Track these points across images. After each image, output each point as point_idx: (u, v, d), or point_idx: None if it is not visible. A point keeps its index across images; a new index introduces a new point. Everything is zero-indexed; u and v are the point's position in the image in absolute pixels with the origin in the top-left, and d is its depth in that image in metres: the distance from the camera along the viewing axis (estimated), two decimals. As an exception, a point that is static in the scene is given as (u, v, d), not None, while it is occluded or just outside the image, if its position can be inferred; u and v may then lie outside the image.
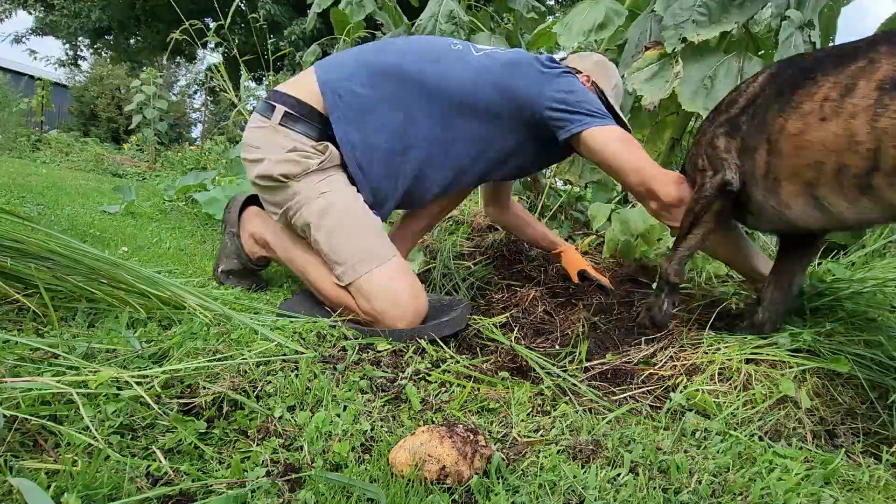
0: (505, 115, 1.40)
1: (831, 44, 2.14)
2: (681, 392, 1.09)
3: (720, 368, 1.15)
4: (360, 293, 1.31)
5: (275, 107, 1.35)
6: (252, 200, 1.62)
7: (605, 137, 1.32)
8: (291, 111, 1.34)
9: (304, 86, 1.37)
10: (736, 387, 1.10)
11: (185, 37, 3.41)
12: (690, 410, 1.04)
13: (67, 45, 13.15)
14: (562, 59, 1.54)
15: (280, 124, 1.34)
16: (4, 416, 0.68)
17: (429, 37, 1.70)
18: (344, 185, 1.36)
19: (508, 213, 1.82)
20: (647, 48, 1.93)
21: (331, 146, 1.34)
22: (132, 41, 12.77)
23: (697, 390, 1.09)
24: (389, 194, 1.42)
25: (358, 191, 1.37)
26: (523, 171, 1.66)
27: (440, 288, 1.77)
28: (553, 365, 1.23)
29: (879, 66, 0.92)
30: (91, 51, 13.66)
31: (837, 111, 0.95)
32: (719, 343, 1.24)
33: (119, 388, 0.82)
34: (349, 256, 1.31)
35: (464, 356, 1.22)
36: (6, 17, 12.69)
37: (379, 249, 1.32)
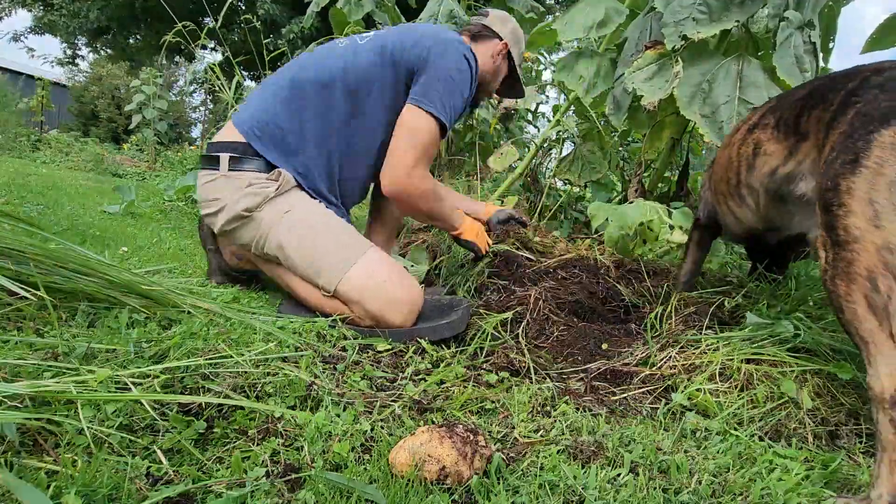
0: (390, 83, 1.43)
1: (832, 45, 2.13)
2: (681, 392, 1.09)
3: (720, 369, 1.15)
4: (348, 299, 1.29)
5: (218, 157, 1.37)
6: None
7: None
8: (234, 154, 1.37)
9: (233, 129, 1.41)
10: (736, 386, 1.10)
11: (178, 38, 3.40)
12: (691, 410, 1.04)
13: (66, 45, 13.14)
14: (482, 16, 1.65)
15: (229, 170, 1.36)
16: (5, 415, 0.68)
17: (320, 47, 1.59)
18: (304, 198, 1.38)
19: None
20: (646, 47, 1.93)
21: (283, 171, 1.37)
22: (131, 41, 12.76)
23: (698, 390, 1.09)
24: (344, 192, 1.50)
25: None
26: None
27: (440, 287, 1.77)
28: (553, 365, 1.23)
29: (758, 111, 1.28)
30: (90, 50, 13.66)
31: (729, 143, 1.34)
32: (719, 343, 1.24)
33: (119, 388, 0.82)
34: (323, 262, 1.30)
35: (464, 356, 1.21)
36: (6, 15, 12.67)
37: (350, 246, 1.33)
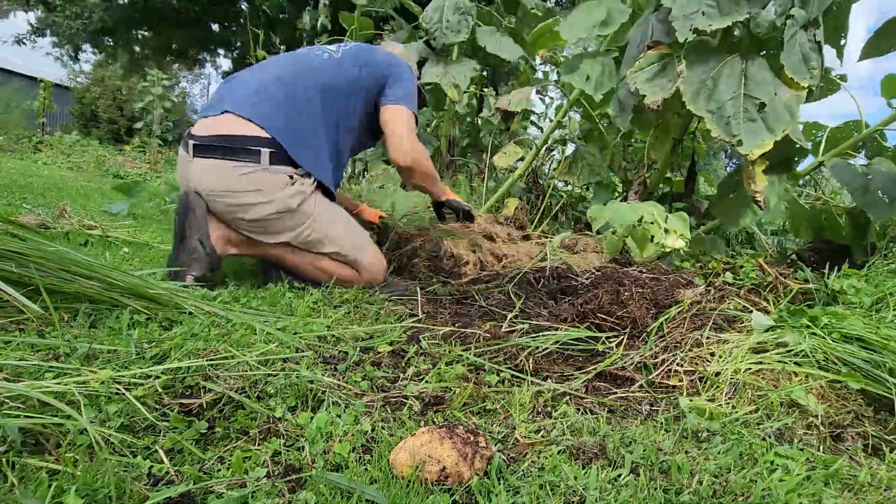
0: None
1: (844, 42, 2.10)
2: (683, 394, 1.09)
3: (722, 370, 1.14)
4: (361, 268, 1.72)
5: (259, 151, 1.53)
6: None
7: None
8: (273, 150, 1.55)
9: (252, 125, 1.55)
10: (738, 388, 1.10)
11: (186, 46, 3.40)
12: (691, 411, 1.04)
13: (69, 46, 13.16)
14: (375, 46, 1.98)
15: (272, 164, 1.54)
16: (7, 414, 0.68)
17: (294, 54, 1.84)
18: (328, 200, 1.70)
19: None
20: (648, 48, 1.93)
21: (311, 171, 1.62)
22: (136, 44, 12.80)
23: (699, 393, 1.08)
24: (337, 182, 1.82)
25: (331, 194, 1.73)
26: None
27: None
28: (554, 365, 1.23)
29: None
30: (94, 52, 13.68)
31: None
32: (720, 344, 1.24)
33: (120, 389, 0.82)
34: (351, 248, 1.70)
35: (465, 357, 1.21)
36: (5, 16, 12.68)
37: (365, 238, 1.77)
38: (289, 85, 1.63)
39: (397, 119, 1.77)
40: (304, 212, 1.59)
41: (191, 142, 1.56)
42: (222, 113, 1.57)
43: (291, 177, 1.57)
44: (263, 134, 1.54)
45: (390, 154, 1.79)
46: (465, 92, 2.86)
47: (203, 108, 1.70)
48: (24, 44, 13.09)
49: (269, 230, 1.60)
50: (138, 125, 7.17)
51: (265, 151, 1.53)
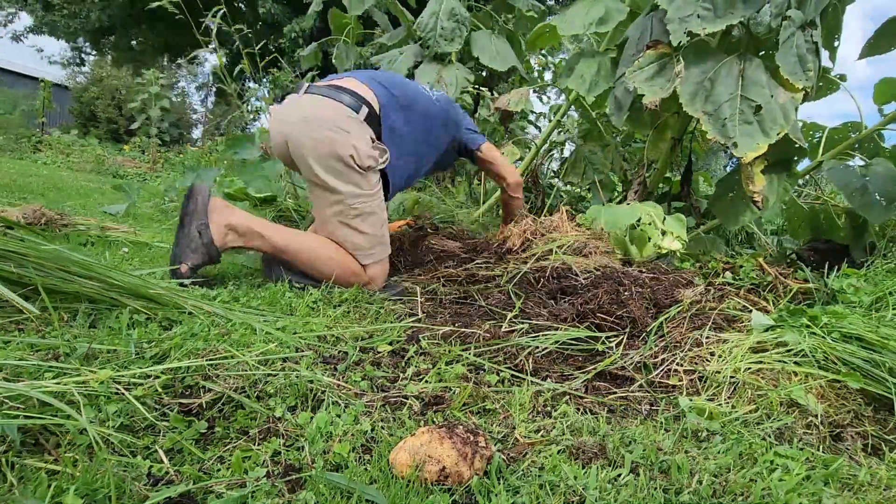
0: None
1: (837, 43, 2.12)
2: (683, 394, 1.09)
3: (722, 369, 1.14)
4: (369, 268, 1.72)
5: (361, 105, 1.64)
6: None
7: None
8: (371, 112, 1.66)
9: (368, 95, 1.69)
10: (738, 387, 1.10)
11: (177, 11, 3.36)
12: (691, 411, 1.04)
13: (69, 45, 13.14)
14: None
15: (364, 120, 1.64)
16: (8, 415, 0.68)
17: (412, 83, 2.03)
18: (381, 187, 1.75)
19: None
20: (647, 47, 1.93)
21: (386, 150, 1.70)
22: (133, 42, 12.79)
23: (699, 393, 1.08)
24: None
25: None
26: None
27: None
28: (554, 365, 1.23)
29: None
30: (94, 51, 13.67)
31: None
32: (720, 343, 1.24)
33: (120, 389, 0.82)
34: (377, 242, 1.72)
35: (465, 357, 1.21)
36: (9, 20, 12.65)
37: (388, 242, 1.78)
38: (403, 90, 1.82)
39: (496, 153, 2.16)
40: (368, 179, 1.66)
41: (305, 84, 1.71)
42: (347, 78, 1.74)
43: (373, 139, 1.66)
44: (372, 99, 1.68)
45: (508, 177, 2.18)
46: (459, 97, 2.86)
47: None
48: (21, 41, 13.07)
49: (339, 175, 1.63)
50: (135, 126, 7.16)
51: (364, 108, 1.65)
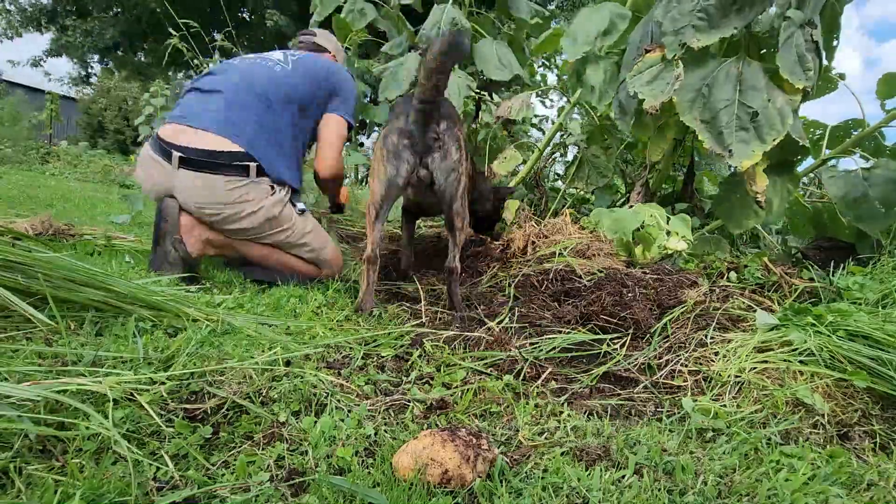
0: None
1: (836, 43, 2.11)
2: (687, 395, 1.09)
3: (727, 369, 1.14)
4: (324, 264, 1.90)
5: (248, 166, 1.67)
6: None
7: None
8: (257, 166, 1.68)
9: (227, 141, 1.66)
10: (743, 387, 1.09)
11: (187, 49, 3.42)
12: (696, 411, 1.04)
13: (79, 65, 13.31)
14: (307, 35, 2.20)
15: (257, 177, 1.68)
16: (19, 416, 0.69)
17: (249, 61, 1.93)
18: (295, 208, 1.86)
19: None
20: (647, 51, 1.93)
21: (285, 179, 1.77)
22: (141, 55, 12.94)
23: (704, 393, 1.08)
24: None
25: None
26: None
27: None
28: (558, 367, 1.23)
29: None
30: (102, 66, 13.85)
31: None
32: (725, 344, 1.24)
33: (125, 396, 0.83)
34: (321, 245, 1.88)
35: (468, 360, 1.22)
36: (10, 37, 12.81)
37: (328, 238, 1.94)
38: (259, 97, 1.76)
39: (331, 126, 1.94)
40: (284, 217, 1.76)
41: (175, 153, 1.63)
42: (202, 129, 1.66)
43: (272, 186, 1.72)
44: (243, 149, 1.67)
45: (316, 162, 1.95)
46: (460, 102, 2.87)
47: (171, 115, 1.77)
48: (40, 65, 13.22)
49: (257, 237, 1.76)
50: (140, 137, 7.22)
51: (252, 165, 1.67)
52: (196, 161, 1.63)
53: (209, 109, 1.71)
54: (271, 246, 1.81)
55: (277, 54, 1.94)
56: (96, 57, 13.01)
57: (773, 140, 1.71)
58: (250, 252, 1.80)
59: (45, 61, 13.03)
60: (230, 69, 1.85)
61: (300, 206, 1.83)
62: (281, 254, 1.83)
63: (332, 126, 1.94)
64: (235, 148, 1.66)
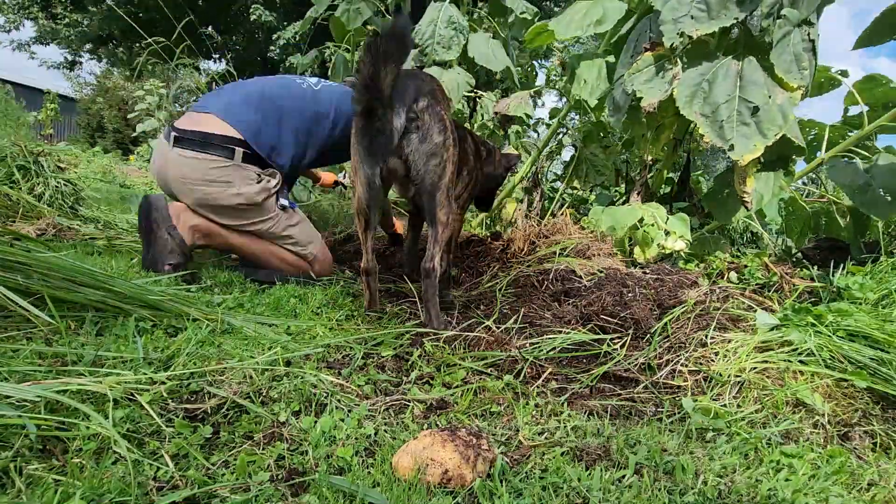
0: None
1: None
2: (687, 395, 1.09)
3: (727, 369, 1.14)
4: (312, 260, 1.92)
5: (234, 150, 1.70)
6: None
7: None
8: (245, 152, 1.72)
9: (233, 133, 1.71)
10: (743, 387, 1.09)
11: (181, 53, 3.42)
12: (696, 411, 1.04)
13: (67, 51, 13.39)
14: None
15: (242, 162, 1.71)
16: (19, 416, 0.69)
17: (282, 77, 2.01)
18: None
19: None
20: (645, 49, 1.93)
21: (277, 172, 1.81)
22: (134, 49, 12.96)
23: (704, 393, 1.08)
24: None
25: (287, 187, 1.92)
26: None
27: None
28: (558, 367, 1.23)
29: None
30: (91, 57, 13.91)
31: None
32: (725, 343, 1.24)
33: (126, 395, 0.83)
34: (307, 241, 1.90)
35: (468, 360, 1.22)
36: (12, 28, 12.84)
37: (317, 235, 1.96)
38: (271, 99, 1.82)
39: None
40: (267, 207, 1.78)
41: (172, 133, 1.71)
42: (207, 113, 1.74)
43: (259, 175, 1.75)
44: (240, 136, 1.71)
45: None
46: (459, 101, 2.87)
47: (191, 107, 1.89)
48: (24, 50, 13.30)
49: (237, 217, 1.78)
50: (138, 131, 7.20)
51: (239, 151, 1.70)
52: (189, 140, 1.69)
53: (221, 97, 1.81)
54: (256, 235, 1.83)
55: (312, 79, 2.04)
56: (87, 48, 13.08)
57: (775, 135, 1.71)
58: (236, 240, 1.82)
59: (29, 47, 13.08)
60: (257, 78, 1.97)
61: (283, 201, 1.84)
62: (268, 244, 1.86)
63: None
64: (231, 133, 1.70)
